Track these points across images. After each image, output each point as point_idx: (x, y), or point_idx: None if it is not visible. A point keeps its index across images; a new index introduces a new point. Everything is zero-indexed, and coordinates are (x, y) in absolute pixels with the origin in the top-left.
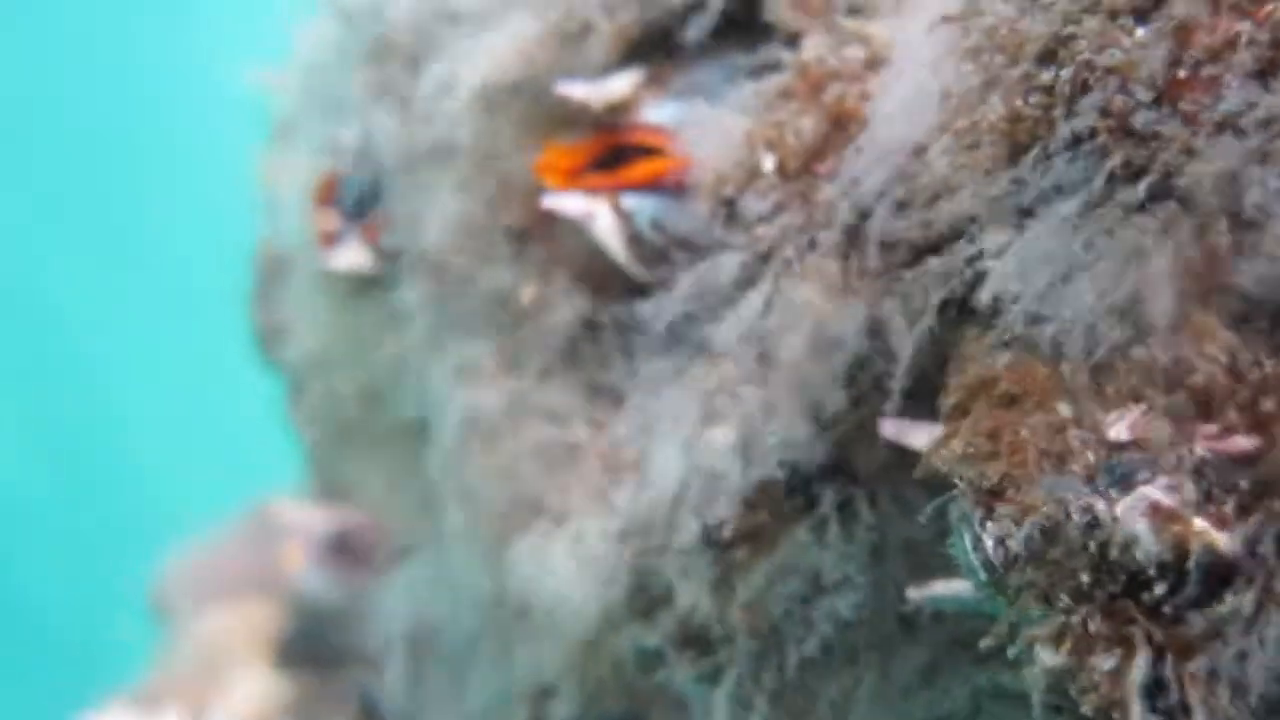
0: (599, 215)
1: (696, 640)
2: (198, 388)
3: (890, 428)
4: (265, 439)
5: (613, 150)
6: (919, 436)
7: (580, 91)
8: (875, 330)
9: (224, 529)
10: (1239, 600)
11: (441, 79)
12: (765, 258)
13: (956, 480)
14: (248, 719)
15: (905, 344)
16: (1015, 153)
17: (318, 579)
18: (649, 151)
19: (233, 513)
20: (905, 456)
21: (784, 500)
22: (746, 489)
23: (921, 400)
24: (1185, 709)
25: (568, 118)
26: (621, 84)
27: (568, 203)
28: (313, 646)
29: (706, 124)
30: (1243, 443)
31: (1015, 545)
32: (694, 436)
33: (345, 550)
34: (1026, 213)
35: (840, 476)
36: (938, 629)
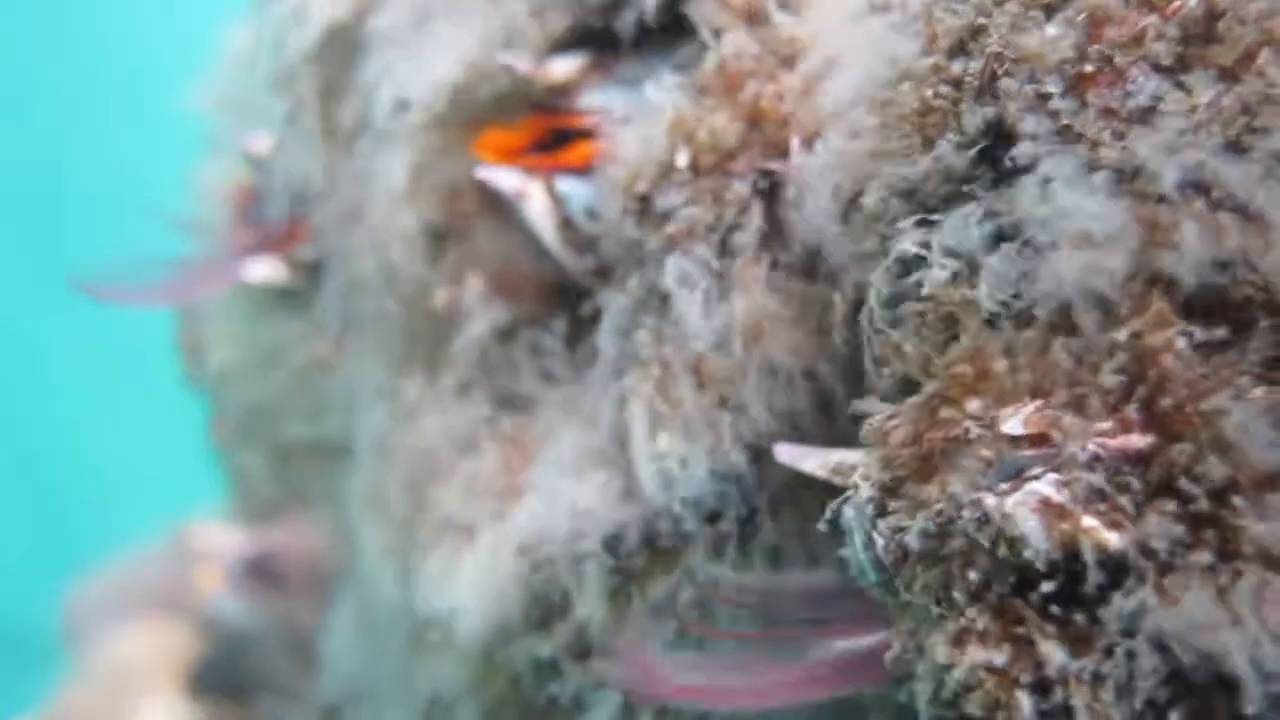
0: (532, 195)
1: (591, 651)
2: (126, 408)
3: (785, 452)
4: (192, 461)
5: (552, 134)
6: (812, 461)
7: (524, 65)
8: (798, 346)
9: (140, 551)
10: (1128, 600)
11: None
12: (687, 256)
13: (851, 480)
14: None
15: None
16: (925, 144)
17: (233, 603)
18: (588, 135)
19: (152, 536)
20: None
21: (688, 513)
22: (653, 500)
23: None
24: (1068, 711)
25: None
26: (565, 66)
27: (502, 178)
28: (225, 674)
29: (636, 115)
30: (1137, 441)
31: (909, 541)
32: (602, 447)
33: (264, 574)
34: (946, 201)
35: (746, 485)
36: None
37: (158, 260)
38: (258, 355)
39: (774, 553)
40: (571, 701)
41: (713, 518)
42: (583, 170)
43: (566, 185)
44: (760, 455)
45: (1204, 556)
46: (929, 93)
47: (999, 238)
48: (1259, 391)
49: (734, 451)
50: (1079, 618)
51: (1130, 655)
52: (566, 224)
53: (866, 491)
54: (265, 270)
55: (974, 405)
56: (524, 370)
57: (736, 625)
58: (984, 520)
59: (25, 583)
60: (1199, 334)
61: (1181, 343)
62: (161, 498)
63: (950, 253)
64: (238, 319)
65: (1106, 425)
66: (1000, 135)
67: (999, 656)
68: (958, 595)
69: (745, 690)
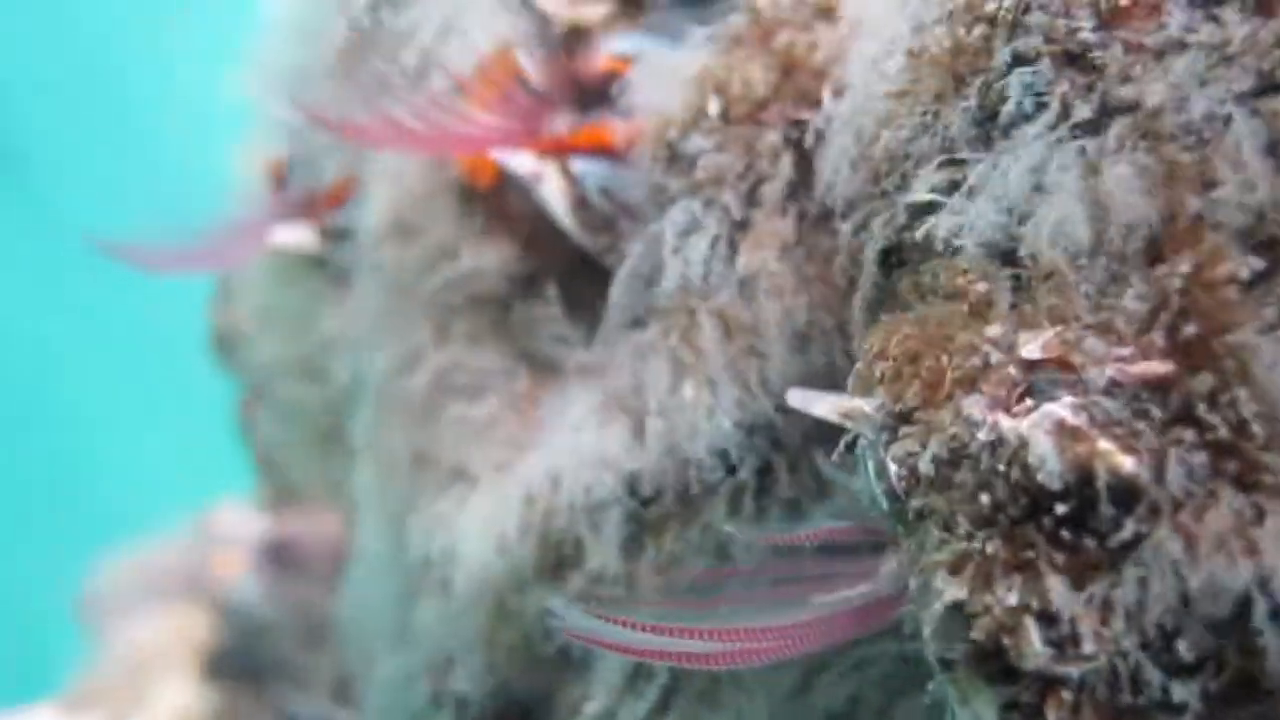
0: (547, 177)
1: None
2: (153, 393)
3: (797, 397)
4: (217, 449)
5: (573, 82)
6: (823, 406)
7: (550, 4)
8: (818, 299)
9: (162, 536)
10: (1141, 527)
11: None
12: (708, 204)
13: (866, 408)
14: None
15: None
16: (957, 85)
17: (254, 588)
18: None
19: (176, 521)
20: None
21: (705, 467)
22: (671, 448)
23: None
24: (1076, 639)
25: None
26: (594, 9)
27: (517, 161)
28: (243, 659)
29: (661, 63)
30: (1158, 368)
31: (921, 466)
32: (620, 396)
33: (285, 560)
34: (974, 143)
35: (765, 438)
36: None
37: (191, 228)
38: (287, 322)
39: (793, 505)
40: (581, 653)
41: (731, 469)
42: (597, 151)
43: (581, 165)
44: (779, 407)
45: (1222, 486)
46: (961, 31)
47: (1013, 178)
48: None
49: (758, 402)
50: (1089, 543)
51: (1141, 583)
52: (582, 203)
53: (879, 419)
54: (296, 235)
55: (993, 330)
56: (542, 329)
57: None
58: (998, 442)
59: (47, 567)
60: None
61: (1245, 273)
62: (186, 485)
63: (970, 194)
64: (268, 287)
65: (1127, 351)
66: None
67: (1006, 584)
68: (968, 521)
69: (752, 643)
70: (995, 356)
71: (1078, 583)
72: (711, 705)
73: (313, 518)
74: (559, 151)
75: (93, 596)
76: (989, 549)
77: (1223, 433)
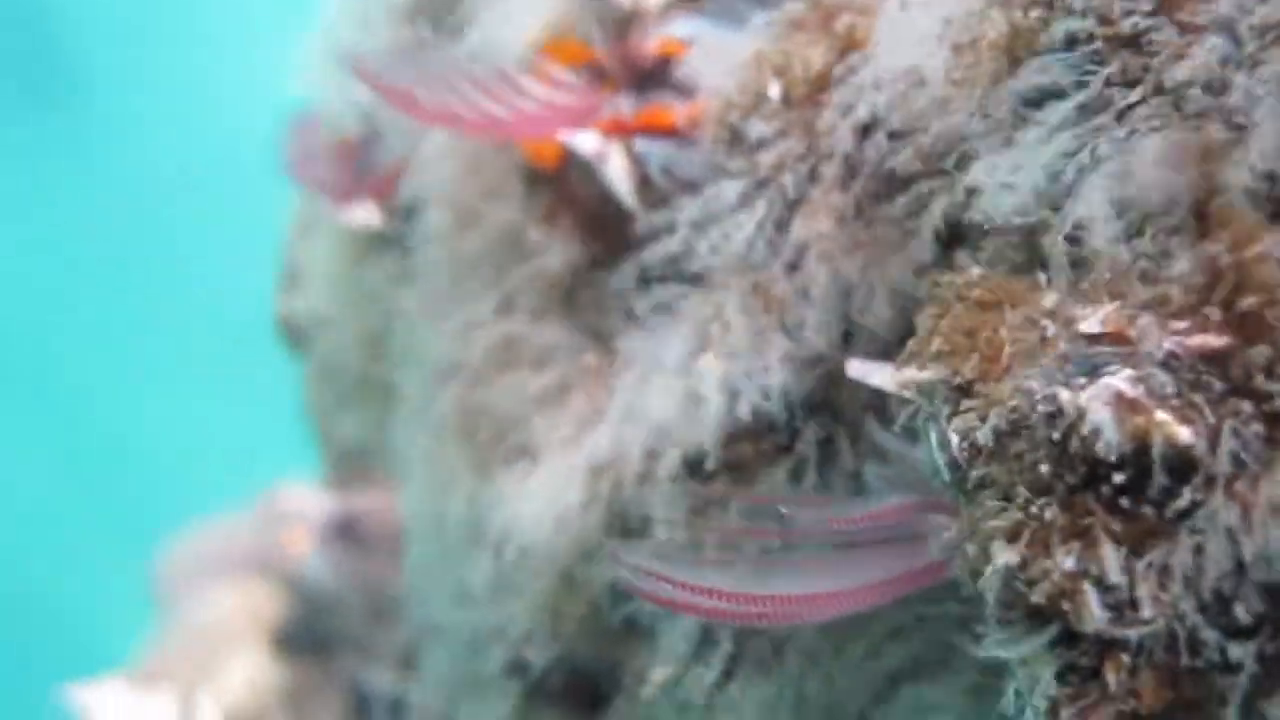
0: (611, 156)
1: None
2: (220, 374)
3: (856, 367)
4: (284, 429)
5: (631, 65)
6: (883, 376)
7: None
8: (870, 267)
9: (232, 513)
10: (1198, 495)
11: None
12: (764, 184)
13: (925, 379)
14: (239, 704)
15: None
16: (1012, 66)
17: (322, 564)
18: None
19: (245, 500)
20: (886, 400)
21: (766, 434)
22: (731, 422)
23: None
24: (1134, 603)
25: None
26: None
27: (581, 140)
28: (311, 635)
29: (721, 47)
30: (1214, 341)
31: (982, 438)
32: (681, 367)
33: (352, 536)
34: (1021, 121)
35: (824, 413)
36: None
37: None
38: (353, 300)
39: (855, 478)
40: (648, 622)
41: (791, 439)
42: (659, 131)
43: (645, 145)
44: (838, 379)
45: (1278, 456)
46: (1018, 14)
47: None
48: None
49: (813, 373)
50: (1147, 511)
51: (1197, 549)
52: (645, 183)
53: (940, 391)
54: (362, 214)
55: (1050, 304)
56: (610, 306)
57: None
58: (1057, 414)
59: (117, 542)
60: None
61: None
62: (254, 467)
63: (1021, 175)
64: (334, 266)
65: (1184, 325)
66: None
67: (1064, 549)
68: (1026, 489)
69: (807, 599)
70: (1052, 330)
71: (1136, 549)
72: (772, 674)
73: (378, 495)
74: (622, 132)
75: (162, 572)
76: (1047, 515)
77: (1279, 403)
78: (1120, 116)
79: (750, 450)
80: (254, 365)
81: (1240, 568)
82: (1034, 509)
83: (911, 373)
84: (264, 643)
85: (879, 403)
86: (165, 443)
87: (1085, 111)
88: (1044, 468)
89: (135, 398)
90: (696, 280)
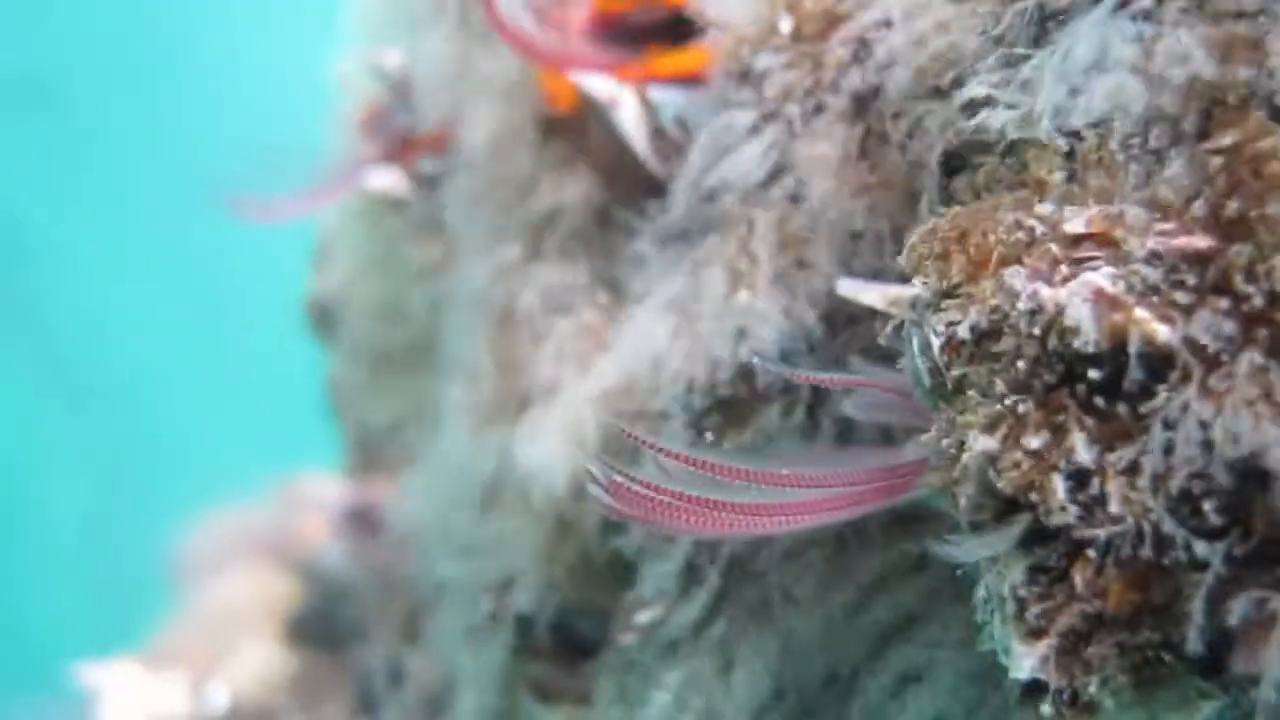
0: (624, 103)
1: None
2: (246, 362)
3: (846, 285)
4: (308, 418)
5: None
6: (872, 294)
7: None
8: (878, 204)
9: (251, 500)
10: (1172, 393)
11: None
12: (772, 115)
13: (913, 291)
14: (249, 690)
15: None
16: None
17: (337, 552)
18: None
19: (264, 487)
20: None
21: (761, 376)
22: (727, 361)
23: None
24: (1102, 499)
25: None
26: None
27: (595, 84)
28: (322, 623)
29: None
30: (1198, 241)
31: (962, 333)
32: (680, 307)
33: (367, 525)
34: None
35: (819, 354)
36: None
37: (287, 176)
38: (375, 265)
39: (845, 422)
40: (635, 554)
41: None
42: (674, 77)
43: (659, 93)
44: (834, 320)
45: (1254, 355)
46: None
47: (1071, 61)
48: None
49: (808, 311)
50: (1121, 409)
51: (1168, 445)
52: (658, 132)
53: (925, 297)
54: (386, 179)
55: (1042, 209)
56: (621, 253)
57: None
58: (1037, 310)
59: (136, 525)
60: None
61: None
62: (275, 453)
63: (1024, 88)
64: (359, 231)
65: (1170, 225)
66: None
67: (1036, 440)
68: (1004, 386)
69: (783, 509)
70: (1040, 231)
71: (1108, 446)
72: (762, 622)
73: (394, 484)
74: (637, 78)
75: (180, 555)
76: (1021, 409)
77: (1257, 301)
78: (1131, 19)
79: (745, 389)
80: (282, 354)
81: (1210, 466)
82: (1009, 402)
83: (901, 289)
84: (277, 630)
85: (871, 344)
86: (190, 427)
87: (1095, 17)
88: (1022, 364)
89: (163, 382)
90: (710, 218)
